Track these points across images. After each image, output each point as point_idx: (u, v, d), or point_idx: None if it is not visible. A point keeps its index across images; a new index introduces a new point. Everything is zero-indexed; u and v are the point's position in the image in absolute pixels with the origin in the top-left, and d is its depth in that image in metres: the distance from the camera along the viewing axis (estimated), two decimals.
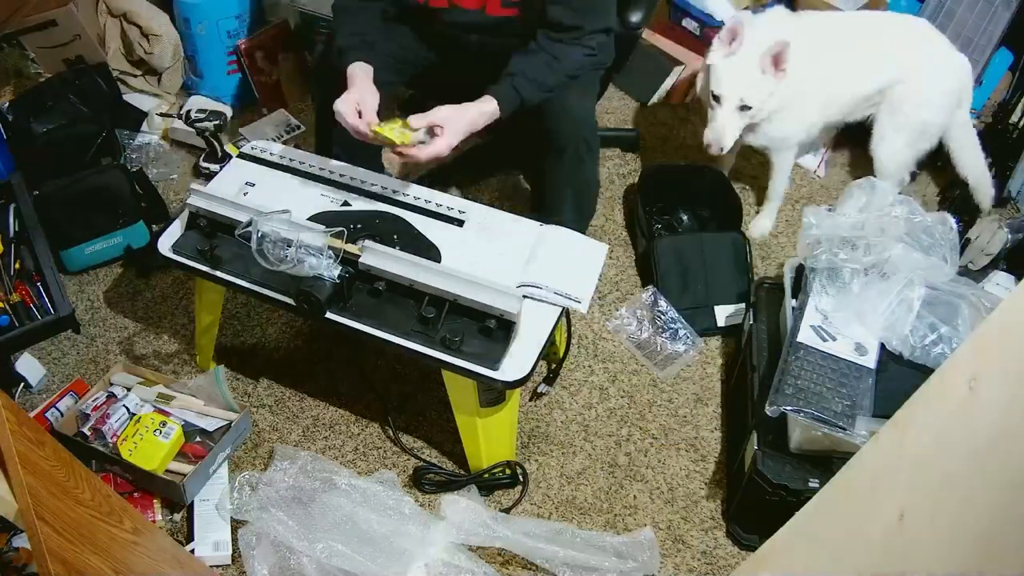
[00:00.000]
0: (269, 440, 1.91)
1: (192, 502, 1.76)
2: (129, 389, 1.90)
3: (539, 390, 1.99)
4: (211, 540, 1.72)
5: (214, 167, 2.41)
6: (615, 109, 2.76)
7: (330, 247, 1.56)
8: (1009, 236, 2.12)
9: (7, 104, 2.40)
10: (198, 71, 2.69)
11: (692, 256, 2.18)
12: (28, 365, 2.02)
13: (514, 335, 1.56)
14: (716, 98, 2.03)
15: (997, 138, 2.47)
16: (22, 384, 2.00)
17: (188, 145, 2.58)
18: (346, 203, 1.78)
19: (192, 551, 1.70)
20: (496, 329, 1.55)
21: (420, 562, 1.66)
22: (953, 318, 1.66)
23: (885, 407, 1.52)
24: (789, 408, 1.57)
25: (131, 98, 2.67)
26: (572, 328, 1.86)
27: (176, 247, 1.73)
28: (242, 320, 2.15)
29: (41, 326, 2.06)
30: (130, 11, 2.60)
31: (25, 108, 2.36)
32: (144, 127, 2.61)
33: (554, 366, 1.97)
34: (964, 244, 2.18)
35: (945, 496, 1.00)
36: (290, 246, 1.53)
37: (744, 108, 2.01)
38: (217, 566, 1.71)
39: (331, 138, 2.04)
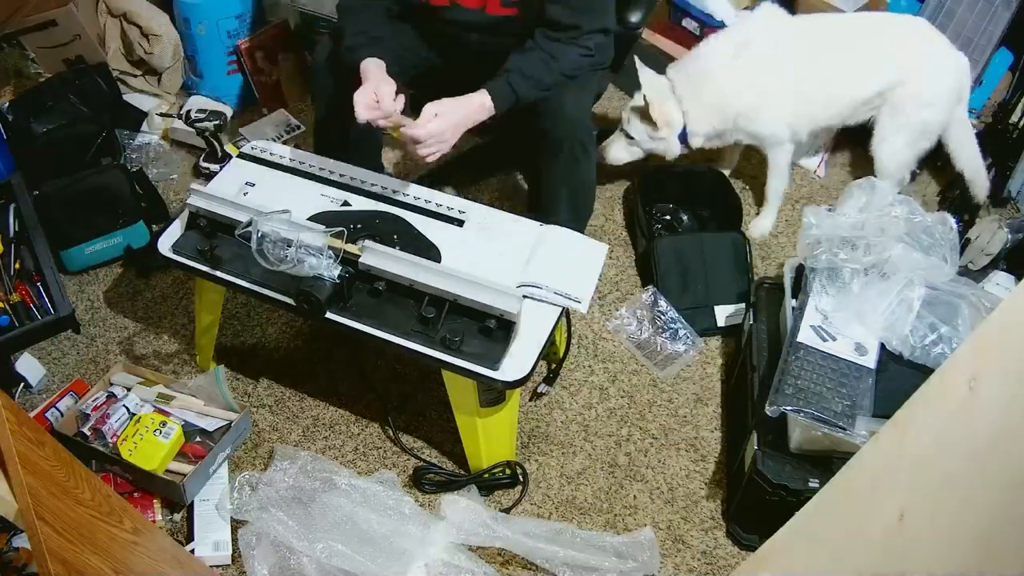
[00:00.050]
0: (269, 440, 1.91)
1: (192, 502, 1.76)
2: (129, 389, 1.90)
3: (539, 390, 1.99)
4: (211, 540, 1.72)
5: (214, 167, 2.41)
6: (615, 109, 2.76)
7: (330, 247, 1.56)
8: (1009, 236, 2.12)
9: (7, 104, 2.40)
10: (198, 71, 2.69)
11: (692, 256, 2.18)
12: (28, 365, 2.02)
13: (514, 335, 1.56)
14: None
15: (997, 138, 2.46)
16: (22, 384, 2.00)
17: (188, 145, 2.58)
18: (346, 203, 1.78)
19: (192, 551, 1.70)
20: (496, 329, 1.55)
21: (420, 562, 1.66)
22: (953, 318, 1.66)
23: (885, 407, 1.52)
24: (789, 408, 1.56)
25: (131, 98, 2.67)
26: (572, 328, 1.86)
27: (176, 247, 1.73)
28: (242, 320, 2.15)
29: (41, 326, 2.06)
30: (130, 11, 2.60)
31: (25, 108, 2.36)
32: (144, 127, 2.61)
33: (554, 366, 1.97)
34: (964, 244, 2.18)
35: (945, 496, 1.00)
36: (290, 246, 1.53)
37: (630, 137, 2.23)
38: (217, 566, 1.71)
39: (331, 138, 2.04)
